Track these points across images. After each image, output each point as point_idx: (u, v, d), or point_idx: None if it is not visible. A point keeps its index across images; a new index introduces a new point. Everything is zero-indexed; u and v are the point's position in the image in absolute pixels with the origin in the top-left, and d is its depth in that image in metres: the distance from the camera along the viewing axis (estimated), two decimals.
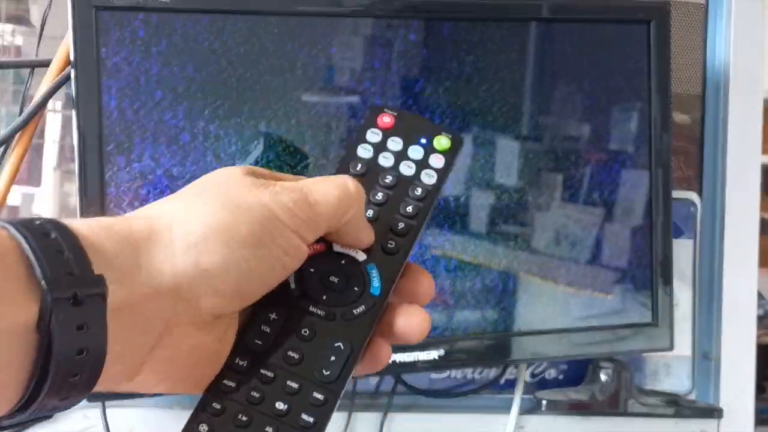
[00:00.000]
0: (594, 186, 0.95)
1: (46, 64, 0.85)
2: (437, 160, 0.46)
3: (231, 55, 0.81)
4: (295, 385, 0.39)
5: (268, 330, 0.41)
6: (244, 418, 0.39)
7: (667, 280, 0.97)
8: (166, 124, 0.79)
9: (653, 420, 1.04)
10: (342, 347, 0.41)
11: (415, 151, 0.46)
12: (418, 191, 0.45)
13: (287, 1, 0.82)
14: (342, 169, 0.46)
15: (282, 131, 0.82)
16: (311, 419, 0.39)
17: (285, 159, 0.83)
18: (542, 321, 0.94)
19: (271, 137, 0.81)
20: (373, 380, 1.00)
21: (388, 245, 0.43)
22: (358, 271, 0.43)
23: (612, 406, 1.02)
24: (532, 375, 1.05)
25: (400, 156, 0.46)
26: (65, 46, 0.82)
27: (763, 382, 1.42)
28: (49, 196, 1.19)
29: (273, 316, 0.41)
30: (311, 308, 0.42)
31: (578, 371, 1.05)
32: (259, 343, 0.40)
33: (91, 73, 0.76)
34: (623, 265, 0.96)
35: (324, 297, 0.42)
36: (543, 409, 1.02)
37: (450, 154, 0.46)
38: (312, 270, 0.42)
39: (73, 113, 0.76)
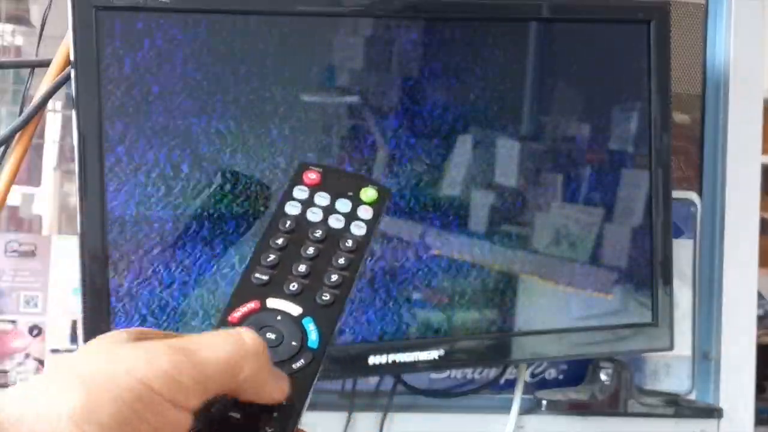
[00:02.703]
0: (594, 186, 0.95)
1: (46, 64, 0.85)
2: (365, 212, 0.47)
3: (231, 54, 0.81)
4: None
5: None
6: None
7: (667, 280, 0.97)
8: (165, 124, 0.79)
9: (653, 420, 1.04)
10: (284, 403, 0.40)
11: (343, 205, 0.47)
12: (349, 243, 0.46)
13: (287, 1, 0.82)
14: (271, 228, 0.46)
15: (281, 131, 0.82)
16: None
17: (244, 191, 0.82)
18: (542, 321, 0.94)
19: (229, 172, 0.81)
20: (373, 380, 1.00)
21: (323, 297, 0.44)
22: (294, 325, 0.43)
23: (612, 406, 1.02)
24: (532, 375, 1.05)
25: (328, 210, 0.47)
26: (65, 46, 0.82)
27: (763, 382, 1.42)
28: (49, 196, 1.19)
29: None
30: None
31: (578, 371, 1.05)
32: None
33: (91, 73, 0.76)
34: (623, 265, 0.96)
35: None
36: (543, 409, 1.02)
37: (378, 205, 0.47)
38: (248, 326, 0.42)
39: (73, 113, 0.76)
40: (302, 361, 0.42)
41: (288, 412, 0.40)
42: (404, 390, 1.00)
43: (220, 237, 0.81)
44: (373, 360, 0.86)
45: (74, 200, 0.80)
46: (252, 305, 0.43)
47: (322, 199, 0.47)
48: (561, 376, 1.06)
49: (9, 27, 1.23)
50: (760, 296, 1.10)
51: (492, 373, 1.04)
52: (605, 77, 0.95)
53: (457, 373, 1.04)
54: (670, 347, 0.98)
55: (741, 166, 1.07)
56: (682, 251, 1.05)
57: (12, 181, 0.84)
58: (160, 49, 0.78)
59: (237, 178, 0.81)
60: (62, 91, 0.86)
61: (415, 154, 0.87)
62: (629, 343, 0.98)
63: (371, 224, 0.47)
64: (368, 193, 0.47)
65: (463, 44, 0.88)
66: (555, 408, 1.02)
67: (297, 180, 0.48)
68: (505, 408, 1.01)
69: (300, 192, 0.47)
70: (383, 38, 0.86)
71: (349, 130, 0.85)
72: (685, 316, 1.06)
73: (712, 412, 1.05)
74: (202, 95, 0.80)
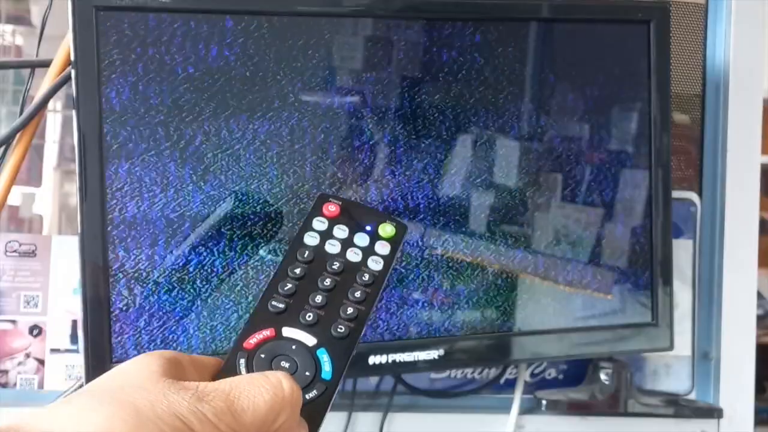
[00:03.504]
0: (594, 186, 0.95)
1: (46, 64, 0.85)
2: (383, 247, 0.48)
3: (231, 55, 0.81)
4: None
5: None
6: None
7: (667, 280, 0.97)
8: (165, 124, 0.79)
9: (653, 420, 1.04)
10: None
11: (361, 239, 0.48)
12: (366, 277, 0.46)
13: (287, 1, 0.82)
14: (290, 257, 0.47)
15: (281, 131, 0.82)
16: None
17: (254, 216, 0.82)
18: (542, 321, 0.94)
19: (242, 194, 0.81)
20: (373, 380, 1.00)
21: (338, 330, 0.44)
22: (308, 355, 0.43)
23: (612, 406, 1.02)
24: (532, 375, 1.05)
25: (347, 243, 0.48)
26: (66, 46, 0.82)
27: (763, 382, 1.42)
28: (49, 196, 1.19)
29: None
30: None
31: (578, 371, 1.05)
32: None
33: (92, 73, 0.76)
34: (623, 265, 0.96)
35: None
36: (543, 409, 1.02)
37: (395, 241, 0.48)
38: (262, 356, 0.43)
39: (74, 113, 0.76)
40: (315, 391, 0.42)
41: None
42: (404, 390, 1.01)
43: (221, 237, 0.81)
44: (373, 360, 0.86)
45: (74, 200, 0.80)
46: (267, 333, 0.44)
47: (341, 231, 0.48)
48: (561, 376, 1.06)
49: (9, 27, 1.23)
50: (760, 296, 1.10)
51: (492, 373, 1.04)
52: (605, 77, 0.95)
53: (457, 373, 1.04)
54: (670, 347, 0.98)
55: (741, 166, 1.07)
56: (682, 251, 1.05)
57: (12, 181, 0.84)
58: (160, 48, 0.78)
59: (242, 185, 0.81)
60: (63, 91, 0.86)
61: (414, 154, 0.87)
62: (629, 343, 0.98)
63: (388, 259, 0.48)
64: (386, 229, 0.48)
65: (463, 44, 0.88)
66: (555, 408, 1.02)
67: (317, 211, 0.49)
68: (505, 408, 1.01)
69: (319, 223, 0.48)
70: (383, 38, 0.86)
71: (349, 130, 0.85)
72: (685, 316, 1.06)
73: (712, 412, 1.05)
74: (202, 95, 0.80)
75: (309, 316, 0.44)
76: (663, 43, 0.95)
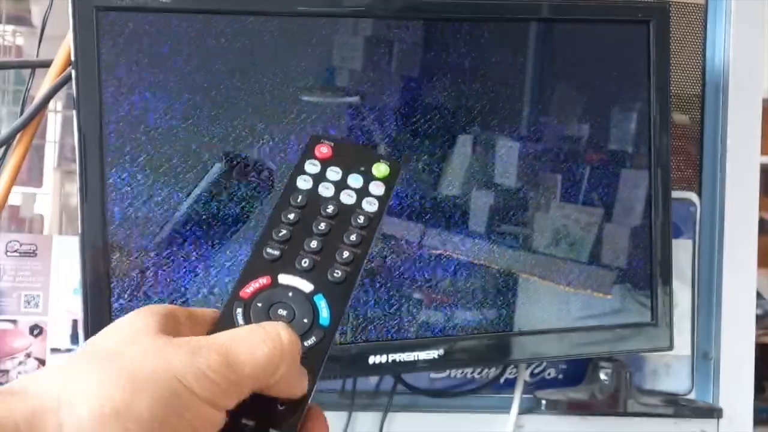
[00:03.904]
0: (594, 186, 0.95)
1: (47, 64, 0.85)
2: (377, 188, 0.47)
3: (231, 55, 0.81)
4: (251, 423, 0.39)
5: None
6: None
7: (667, 280, 0.97)
8: (165, 124, 0.79)
9: (653, 420, 1.04)
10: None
11: (355, 180, 0.47)
12: (361, 219, 0.46)
13: (287, 1, 0.82)
14: (283, 202, 0.46)
15: (281, 131, 0.83)
16: None
17: (244, 179, 0.82)
18: (542, 321, 0.94)
19: (232, 156, 0.81)
20: (373, 380, 1.00)
21: (335, 274, 0.44)
22: (306, 302, 0.43)
23: (611, 405, 1.02)
24: (532, 374, 1.05)
25: (340, 185, 0.47)
26: (66, 47, 0.83)
27: (763, 382, 1.42)
28: (50, 196, 1.20)
29: None
30: None
31: (578, 371, 1.05)
32: None
33: (92, 74, 0.76)
34: (623, 265, 0.96)
35: None
36: (542, 408, 1.02)
37: (390, 181, 0.47)
38: (259, 305, 0.42)
39: (74, 113, 0.76)
40: (314, 338, 0.42)
41: (300, 400, 0.41)
42: (404, 390, 1.01)
43: (221, 236, 0.81)
44: (373, 360, 0.86)
45: (75, 200, 0.80)
46: (263, 281, 0.43)
47: (334, 173, 0.47)
48: (561, 376, 1.06)
49: (10, 27, 1.23)
50: (760, 296, 1.10)
51: (492, 372, 1.04)
52: (605, 77, 0.95)
53: (457, 373, 1.04)
54: (670, 347, 0.98)
55: (741, 166, 1.07)
56: (682, 251, 1.05)
57: (13, 181, 0.84)
58: (160, 49, 0.79)
59: (238, 172, 0.81)
60: (63, 91, 0.87)
61: (414, 154, 0.87)
62: (629, 343, 0.98)
63: (383, 200, 0.47)
64: (380, 168, 0.47)
65: (463, 44, 0.88)
66: (554, 408, 1.02)
67: (309, 153, 0.47)
68: (505, 408, 1.01)
69: (312, 166, 0.47)
70: (383, 38, 0.86)
71: (349, 130, 0.85)
72: (685, 315, 1.06)
73: (712, 412, 1.05)
74: (202, 95, 0.80)
75: (305, 262, 0.44)
76: (663, 43, 0.95)
